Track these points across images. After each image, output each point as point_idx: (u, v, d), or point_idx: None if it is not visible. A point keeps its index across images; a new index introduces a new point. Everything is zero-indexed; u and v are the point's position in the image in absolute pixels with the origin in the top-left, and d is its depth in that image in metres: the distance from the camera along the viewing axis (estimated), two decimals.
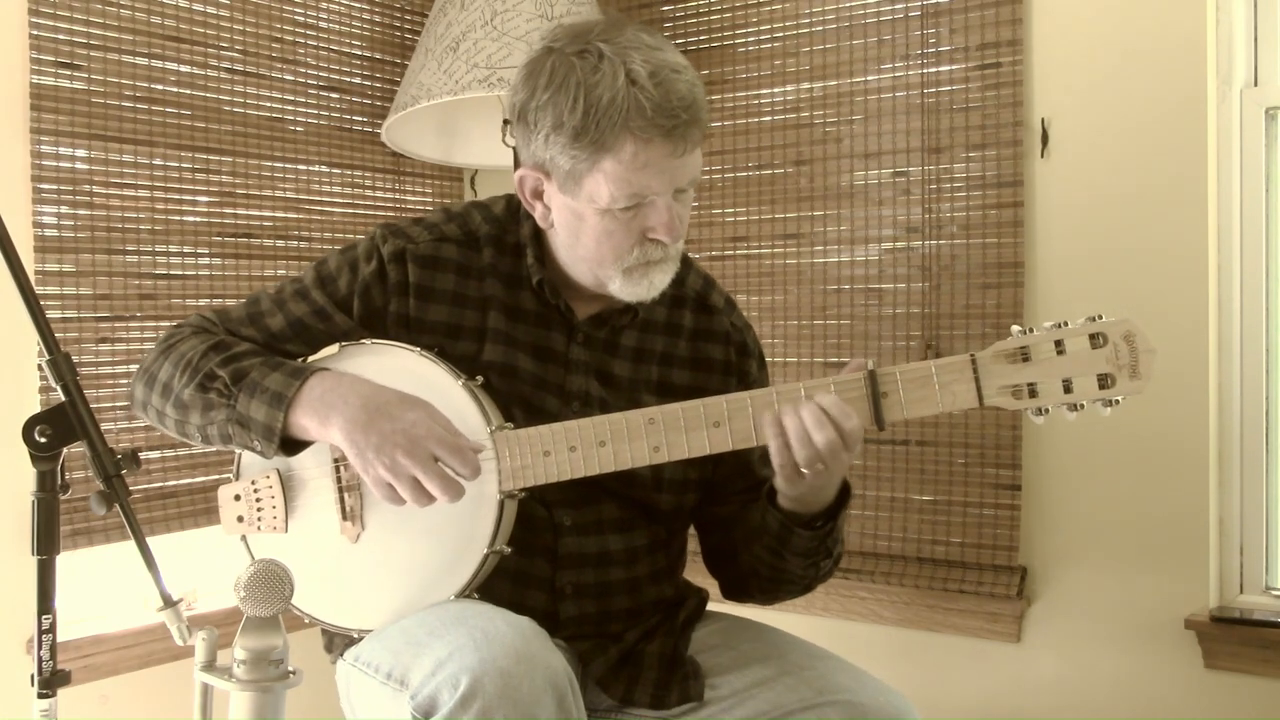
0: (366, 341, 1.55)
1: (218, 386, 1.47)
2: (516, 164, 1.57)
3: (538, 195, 1.54)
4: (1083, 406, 1.37)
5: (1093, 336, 1.36)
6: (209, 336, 1.54)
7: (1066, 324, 1.37)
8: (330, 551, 1.52)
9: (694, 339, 1.67)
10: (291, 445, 1.48)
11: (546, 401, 1.56)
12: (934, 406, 1.39)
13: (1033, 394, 1.37)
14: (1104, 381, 1.35)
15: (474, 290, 1.57)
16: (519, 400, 1.54)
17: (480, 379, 1.51)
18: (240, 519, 1.54)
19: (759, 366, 1.72)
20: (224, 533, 1.55)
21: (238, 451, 1.56)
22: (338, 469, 1.52)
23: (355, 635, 1.52)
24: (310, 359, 1.58)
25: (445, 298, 1.56)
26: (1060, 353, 1.37)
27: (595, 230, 1.49)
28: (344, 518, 1.51)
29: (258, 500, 1.54)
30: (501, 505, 1.46)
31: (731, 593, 1.72)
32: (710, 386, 1.62)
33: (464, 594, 1.47)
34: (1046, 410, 1.39)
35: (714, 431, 1.44)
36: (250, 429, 1.46)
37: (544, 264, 1.58)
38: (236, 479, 1.56)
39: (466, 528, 1.46)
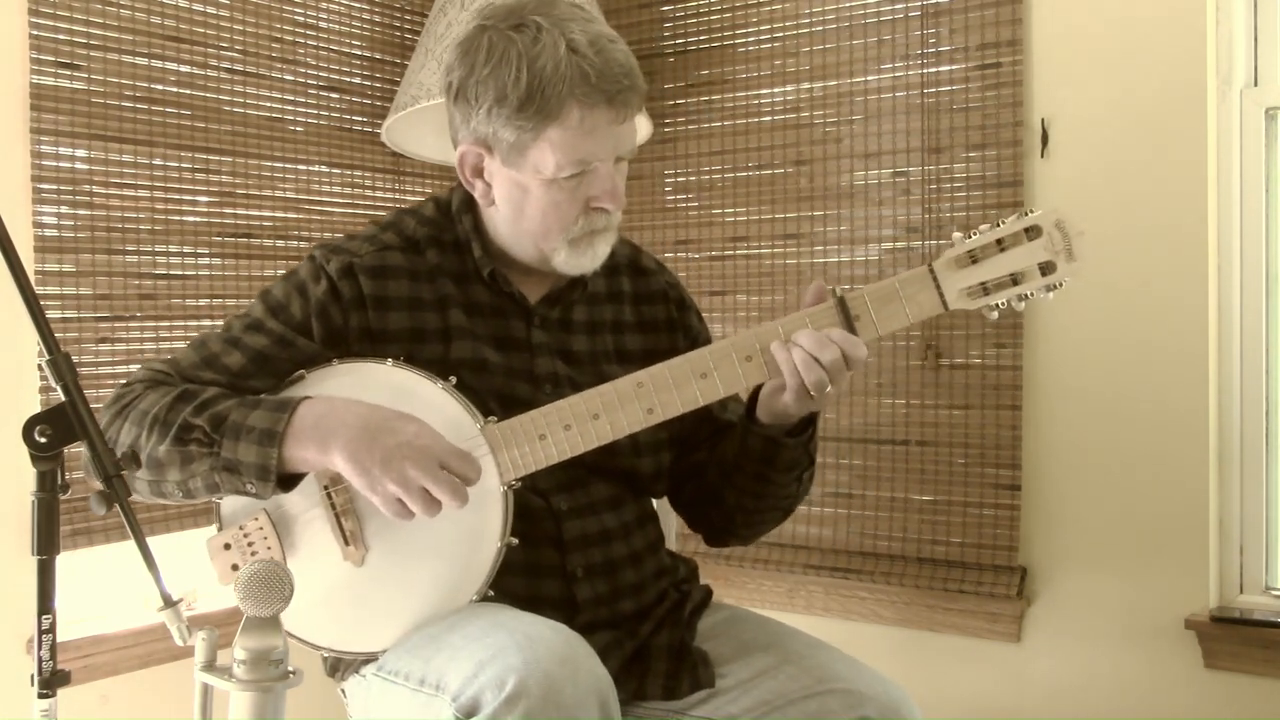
0: (335, 362, 1.52)
1: (196, 436, 1.41)
2: (455, 144, 1.57)
3: (478, 173, 1.56)
4: (1031, 295, 1.47)
5: (1027, 230, 1.45)
6: (167, 389, 1.47)
7: (1002, 223, 1.46)
8: (337, 579, 1.50)
9: (636, 303, 1.71)
10: (286, 481, 1.43)
11: (519, 389, 1.57)
12: (903, 319, 1.48)
13: (985, 291, 1.47)
14: (1045, 269, 1.45)
15: (428, 292, 1.57)
16: (493, 393, 1.54)
17: (454, 379, 1.50)
18: (235, 567, 1.48)
19: (698, 319, 1.79)
20: (219, 583, 1.50)
21: (215, 502, 1.51)
22: (329, 495, 1.49)
23: (378, 656, 1.50)
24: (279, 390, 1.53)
25: (402, 304, 1.55)
26: (1002, 249, 1.46)
27: (541, 201, 1.52)
28: (345, 543, 1.49)
29: (250, 545, 1.49)
30: (506, 497, 1.47)
31: (715, 538, 1.77)
32: (659, 346, 1.68)
33: (482, 593, 1.47)
34: (1002, 305, 1.48)
35: (703, 383, 1.48)
36: (241, 472, 1.41)
37: (489, 253, 1.60)
38: (220, 530, 1.51)
39: (476, 527, 1.46)
